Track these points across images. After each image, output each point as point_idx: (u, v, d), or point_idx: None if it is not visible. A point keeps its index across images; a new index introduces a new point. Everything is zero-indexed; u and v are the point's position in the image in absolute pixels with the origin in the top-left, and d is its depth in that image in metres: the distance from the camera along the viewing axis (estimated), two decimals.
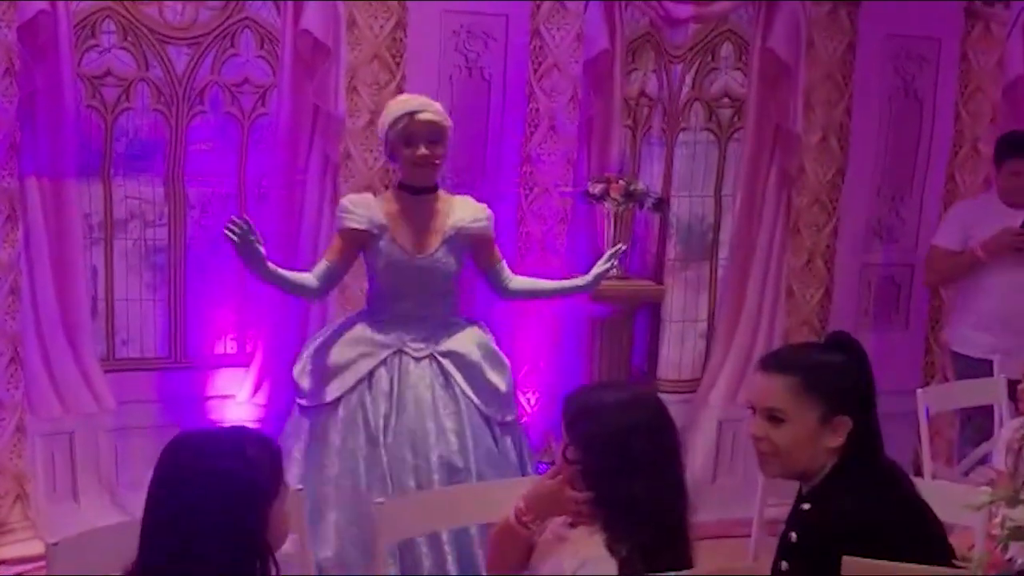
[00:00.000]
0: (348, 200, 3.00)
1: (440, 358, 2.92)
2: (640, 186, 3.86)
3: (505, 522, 1.97)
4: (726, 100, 4.06)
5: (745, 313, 4.12)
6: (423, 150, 2.88)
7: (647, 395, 1.97)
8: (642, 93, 3.99)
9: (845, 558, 1.66)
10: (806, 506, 1.90)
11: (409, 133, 2.88)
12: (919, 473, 3.19)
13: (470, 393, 2.91)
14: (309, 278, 2.93)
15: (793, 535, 1.88)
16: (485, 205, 3.07)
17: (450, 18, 3.73)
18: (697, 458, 4.04)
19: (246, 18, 3.61)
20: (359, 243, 2.94)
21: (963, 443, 3.85)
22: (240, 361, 3.77)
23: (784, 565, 1.88)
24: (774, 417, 1.88)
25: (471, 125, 3.83)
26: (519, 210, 3.90)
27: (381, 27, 3.63)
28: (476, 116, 3.83)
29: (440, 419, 2.86)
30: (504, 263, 3.10)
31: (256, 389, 3.76)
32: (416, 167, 2.91)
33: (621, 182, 3.80)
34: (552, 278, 3.91)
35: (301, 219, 3.71)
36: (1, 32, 3.23)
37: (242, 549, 1.54)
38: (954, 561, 1.62)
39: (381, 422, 2.83)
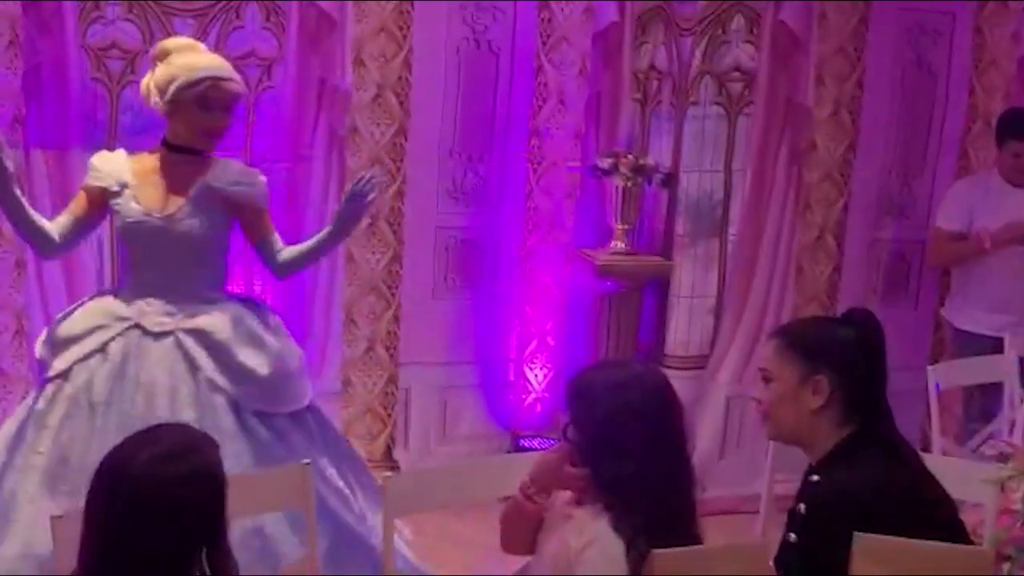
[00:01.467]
0: (97, 157, 2.71)
1: (183, 336, 2.59)
2: (649, 161, 3.83)
3: (514, 497, 1.97)
4: (736, 74, 4.01)
5: (754, 290, 4.10)
6: (222, 121, 2.64)
7: (646, 375, 1.93)
8: (651, 67, 3.95)
9: (857, 534, 1.65)
10: (815, 478, 1.91)
11: (209, 98, 2.61)
12: (927, 449, 3.18)
13: (216, 377, 2.57)
14: (51, 227, 2.62)
15: (802, 507, 1.89)
16: (257, 171, 2.78)
17: None
18: (705, 435, 4.03)
19: None
20: (101, 201, 2.64)
21: (967, 420, 3.83)
22: None
23: (793, 537, 1.89)
24: (764, 378, 1.96)
25: (478, 99, 3.80)
26: (527, 185, 3.87)
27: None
28: (483, 90, 3.80)
29: (177, 407, 2.52)
30: (277, 237, 2.75)
31: None
32: (208, 136, 2.65)
33: (630, 157, 3.77)
34: (560, 255, 3.91)
35: (307, 193, 3.69)
36: (5, 4, 3.20)
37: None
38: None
39: (102, 406, 2.53)
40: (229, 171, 2.71)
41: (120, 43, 3.47)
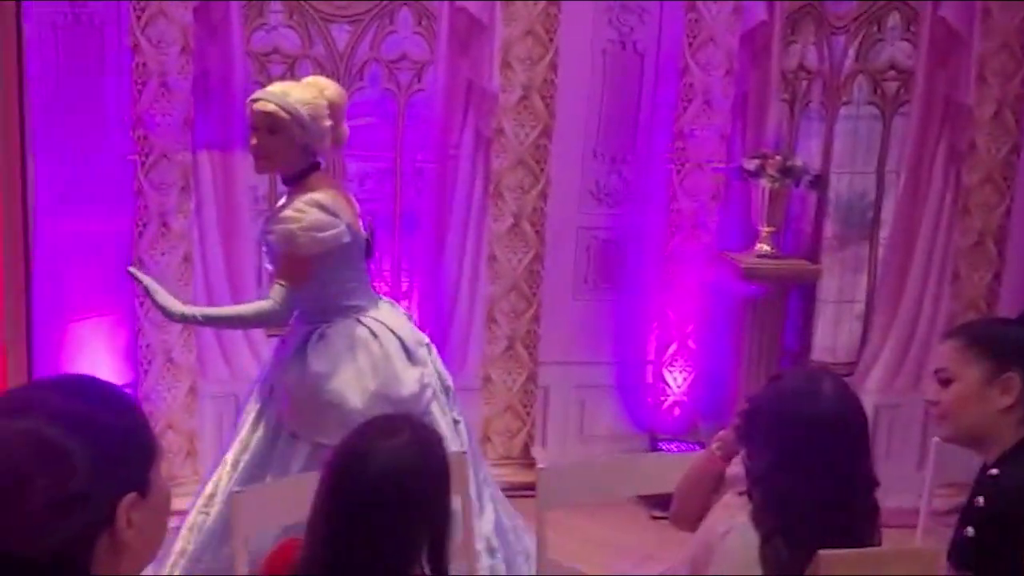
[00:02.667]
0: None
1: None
2: (797, 162, 3.75)
3: (697, 457, 2.01)
4: (892, 72, 3.88)
5: (907, 295, 3.95)
6: (254, 139, 2.66)
7: (830, 387, 1.83)
8: (801, 66, 3.86)
9: None
10: (994, 471, 1.88)
11: (247, 121, 2.68)
12: None
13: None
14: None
15: (980, 499, 1.87)
16: (293, 218, 2.63)
17: None
18: None
19: None
20: None
21: None
22: None
23: (970, 531, 1.86)
24: (942, 379, 1.92)
25: (623, 100, 3.81)
26: (670, 186, 3.85)
27: (535, 2, 3.64)
28: (628, 91, 3.80)
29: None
30: (276, 285, 2.67)
31: None
32: (252, 156, 2.70)
33: (778, 158, 3.70)
34: (703, 257, 3.87)
35: (453, 193, 3.78)
36: (179, 12, 3.41)
37: None
38: None
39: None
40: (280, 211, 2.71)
41: (281, 48, 3.65)
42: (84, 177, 3.41)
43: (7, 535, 1.01)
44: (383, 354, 2.67)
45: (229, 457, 2.72)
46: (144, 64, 3.41)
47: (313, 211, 2.61)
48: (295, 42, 3.65)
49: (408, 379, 2.69)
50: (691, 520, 1.98)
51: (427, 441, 1.62)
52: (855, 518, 1.81)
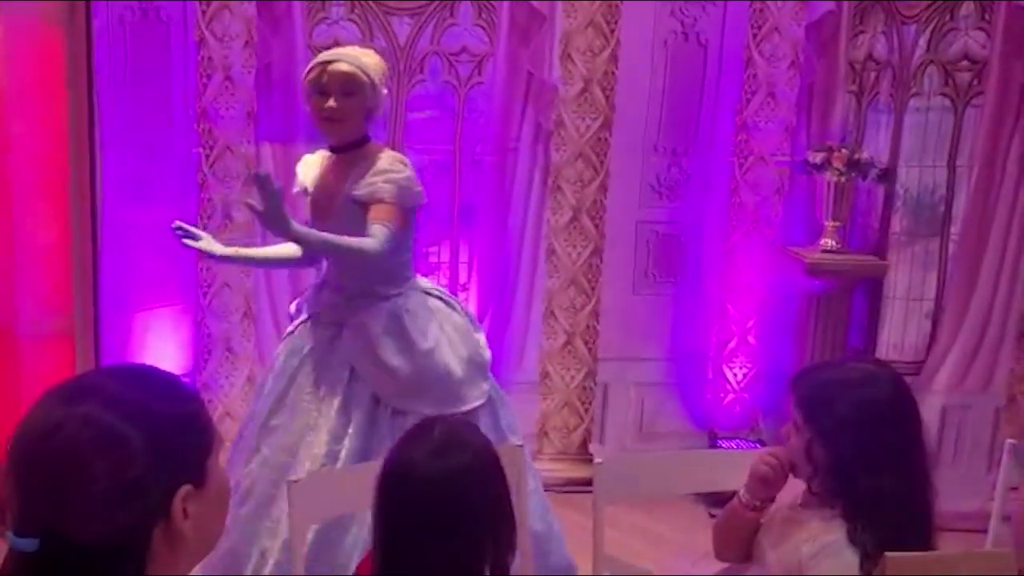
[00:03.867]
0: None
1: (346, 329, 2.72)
2: (865, 155, 3.66)
3: (731, 505, 1.93)
4: (965, 63, 3.76)
5: (978, 293, 3.84)
6: (330, 102, 2.57)
7: (890, 376, 1.81)
8: (869, 56, 3.76)
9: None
10: None
11: (321, 83, 2.58)
12: None
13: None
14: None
15: None
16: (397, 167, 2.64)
17: None
18: None
19: None
20: None
21: None
22: None
23: None
24: None
25: (685, 92, 3.76)
26: (732, 180, 3.79)
27: None
28: (690, 83, 3.75)
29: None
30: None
31: None
32: (325, 121, 2.61)
33: (844, 151, 3.62)
34: (765, 251, 3.80)
35: (512, 185, 3.77)
36: (243, 7, 3.46)
37: None
38: None
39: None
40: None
41: (342, 42, 3.63)
42: (150, 169, 3.47)
43: (65, 519, 1.02)
44: (463, 322, 2.72)
45: (313, 452, 2.61)
46: (209, 58, 3.46)
47: (407, 168, 2.63)
48: (356, 35, 3.66)
49: (484, 343, 2.75)
50: (739, 556, 1.93)
51: (463, 436, 1.57)
52: (931, 515, 1.76)
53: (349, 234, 2.55)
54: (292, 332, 2.77)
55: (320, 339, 2.69)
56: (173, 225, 2.71)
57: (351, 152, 2.65)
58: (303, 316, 2.76)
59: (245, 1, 3.45)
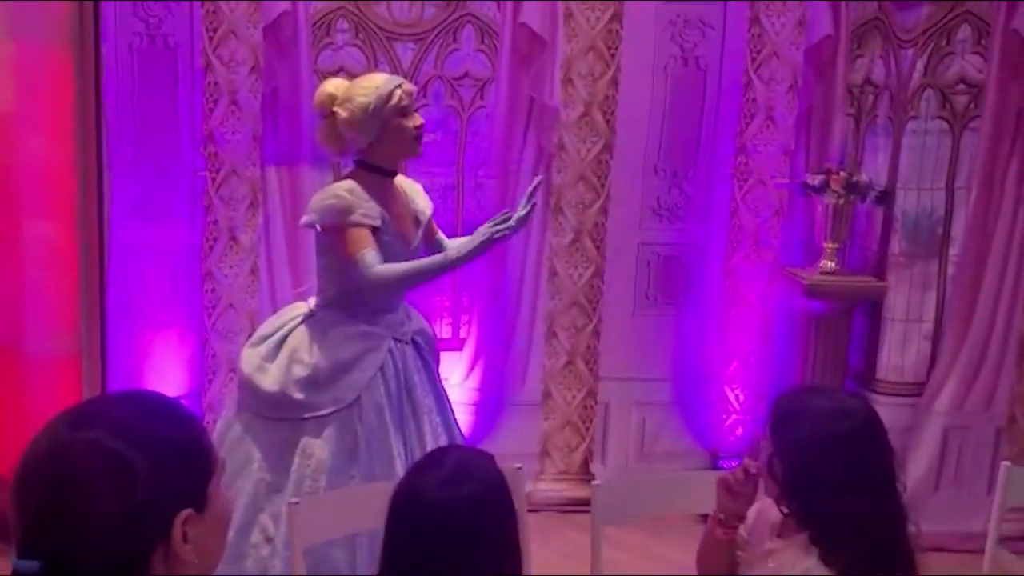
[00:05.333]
0: (346, 190, 2.64)
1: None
2: (863, 178, 3.70)
3: (707, 527, 1.96)
4: (962, 86, 3.80)
5: (978, 314, 3.85)
6: (420, 119, 2.71)
7: (855, 406, 1.85)
8: (867, 80, 3.81)
9: None
10: None
11: (405, 105, 2.67)
12: None
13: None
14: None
15: None
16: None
17: (667, 8, 3.72)
18: (919, 466, 3.81)
19: (468, 13, 3.74)
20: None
21: None
22: (454, 345, 3.93)
23: None
24: None
25: (684, 115, 3.80)
26: (732, 202, 3.83)
27: (598, 18, 3.67)
28: (690, 106, 3.80)
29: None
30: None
31: (469, 373, 3.90)
32: (419, 139, 2.70)
33: (842, 173, 3.65)
34: (765, 273, 3.83)
35: (514, 207, 3.78)
36: (249, 32, 3.51)
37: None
38: None
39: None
40: (421, 194, 2.89)
41: (348, 67, 3.72)
42: (157, 192, 3.52)
43: (68, 542, 1.04)
44: None
45: None
46: (215, 83, 3.52)
47: None
48: (361, 61, 3.72)
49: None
50: None
51: (475, 465, 1.57)
52: (905, 540, 1.78)
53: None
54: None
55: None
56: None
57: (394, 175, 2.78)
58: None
59: (252, 27, 3.51)
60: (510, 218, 2.67)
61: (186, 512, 1.07)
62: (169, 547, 1.07)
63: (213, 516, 1.12)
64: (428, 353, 2.82)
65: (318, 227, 2.68)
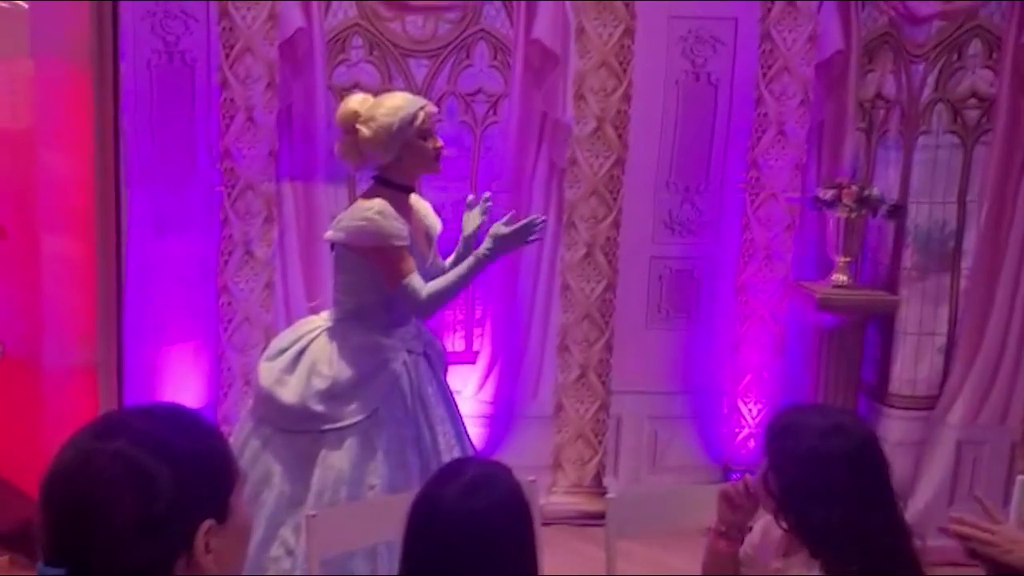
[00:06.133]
0: (377, 211, 2.68)
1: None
2: (875, 192, 3.71)
3: (708, 543, 1.97)
4: (973, 101, 3.81)
5: (991, 328, 3.85)
6: (440, 140, 2.78)
7: (850, 425, 1.86)
8: (878, 95, 3.82)
9: None
10: None
11: (427, 127, 2.74)
12: None
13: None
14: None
15: None
16: None
17: (678, 24, 3.74)
18: (932, 479, 3.81)
19: (481, 30, 3.77)
20: None
21: None
22: (467, 358, 3.94)
23: None
24: None
25: (696, 130, 3.82)
26: (744, 216, 3.84)
27: (610, 35, 3.70)
28: (701, 121, 3.82)
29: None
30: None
31: (482, 386, 3.91)
32: (439, 159, 2.79)
33: (854, 187, 3.67)
34: (777, 287, 3.84)
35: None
36: (265, 49, 3.55)
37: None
38: None
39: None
40: (430, 211, 2.94)
41: (362, 84, 3.75)
42: (174, 207, 3.55)
43: (91, 551, 1.06)
44: None
45: None
46: (231, 99, 3.56)
47: None
48: (375, 77, 3.75)
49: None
50: None
51: (494, 477, 1.57)
52: (909, 554, 1.78)
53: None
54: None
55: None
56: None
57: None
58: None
59: (268, 44, 3.55)
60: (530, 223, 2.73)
61: (208, 523, 1.09)
62: (191, 557, 1.09)
63: (234, 527, 1.14)
64: (438, 365, 2.87)
65: (344, 244, 2.73)
